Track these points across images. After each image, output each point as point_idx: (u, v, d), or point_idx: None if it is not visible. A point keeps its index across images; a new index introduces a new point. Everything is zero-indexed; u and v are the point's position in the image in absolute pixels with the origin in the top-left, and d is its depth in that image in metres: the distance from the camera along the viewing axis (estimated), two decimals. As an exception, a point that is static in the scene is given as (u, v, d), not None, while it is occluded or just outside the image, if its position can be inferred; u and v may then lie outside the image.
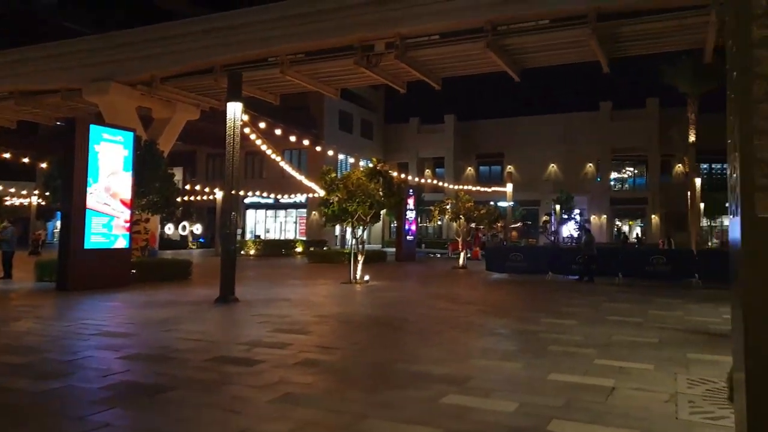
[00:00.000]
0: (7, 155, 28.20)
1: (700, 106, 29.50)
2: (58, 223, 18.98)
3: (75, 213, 13.87)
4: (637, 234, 43.29)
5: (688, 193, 30.87)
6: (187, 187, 41.47)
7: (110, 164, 14.66)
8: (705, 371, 5.81)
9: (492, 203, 42.73)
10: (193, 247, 43.38)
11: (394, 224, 50.73)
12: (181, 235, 45.12)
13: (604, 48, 16.21)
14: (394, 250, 31.11)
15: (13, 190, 36.63)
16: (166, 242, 44.19)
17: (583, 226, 38.44)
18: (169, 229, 46.98)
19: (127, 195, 15.18)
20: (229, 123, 11.56)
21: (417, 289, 14.99)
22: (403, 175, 21.36)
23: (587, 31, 15.00)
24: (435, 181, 39.67)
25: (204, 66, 21.93)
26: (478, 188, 35.96)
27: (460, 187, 31.93)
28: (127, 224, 15.22)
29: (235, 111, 11.63)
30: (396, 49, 18.15)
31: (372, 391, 5.08)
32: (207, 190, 36.03)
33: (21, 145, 35.29)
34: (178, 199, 42.63)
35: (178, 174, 51.22)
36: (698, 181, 30.43)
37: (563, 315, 9.94)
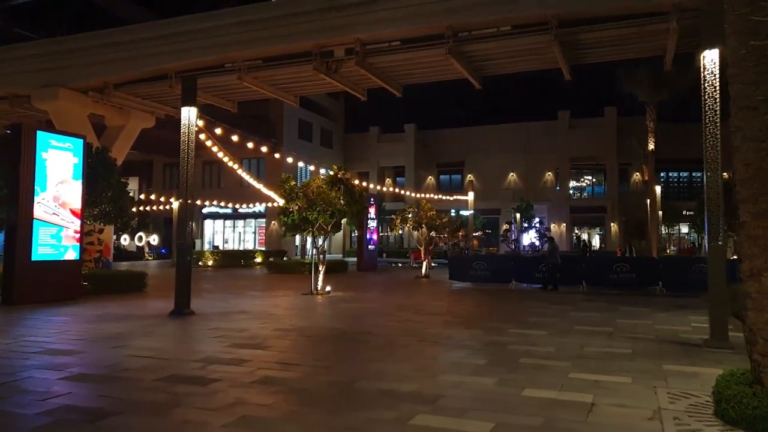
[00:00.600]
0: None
1: (658, 114, 30.33)
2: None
3: (21, 223, 13.09)
4: (584, 241, 43.97)
5: (648, 201, 31.60)
6: (142, 196, 40.20)
7: (59, 172, 13.92)
8: (684, 384, 5.68)
9: (453, 212, 43.15)
10: (150, 258, 42.16)
11: (356, 234, 50.63)
12: (137, 246, 43.80)
13: (566, 55, 16.38)
14: (355, 259, 30.78)
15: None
16: (122, 253, 42.81)
17: (544, 234, 39.06)
18: (125, 240, 45.53)
19: (78, 204, 14.45)
20: (183, 128, 11.10)
21: (380, 299, 14.71)
22: (364, 184, 21.05)
23: (549, 38, 15.11)
24: (397, 190, 39.51)
25: (158, 72, 21.23)
26: (440, 197, 35.97)
27: (422, 195, 31.86)
28: (78, 235, 14.47)
29: (189, 116, 11.17)
30: (356, 55, 17.95)
31: (336, 412, 4.76)
32: (163, 199, 34.95)
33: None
34: (134, 209, 41.49)
35: (134, 184, 50.22)
36: (658, 189, 31.19)
37: (531, 325, 9.82)
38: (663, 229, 39.93)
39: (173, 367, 6.41)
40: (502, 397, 5.19)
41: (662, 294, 15.45)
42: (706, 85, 7.42)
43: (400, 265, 35.05)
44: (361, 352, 7.41)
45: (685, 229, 45.59)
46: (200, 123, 12.60)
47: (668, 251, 38.76)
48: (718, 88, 7.28)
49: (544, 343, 8.00)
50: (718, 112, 7.25)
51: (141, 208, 41.01)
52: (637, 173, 45.01)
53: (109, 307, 12.58)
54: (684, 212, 39.55)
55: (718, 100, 7.27)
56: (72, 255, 14.27)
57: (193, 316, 11.17)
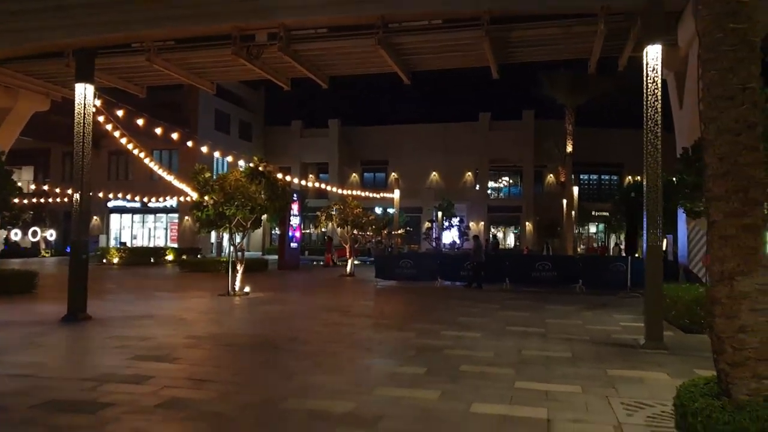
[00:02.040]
0: None
1: (576, 118, 31.32)
2: None
3: None
4: (494, 239, 44.74)
5: (563, 201, 32.57)
6: (33, 187, 36.69)
7: (-75, 156, 11.93)
8: (635, 392, 5.37)
9: (378, 210, 42.76)
10: (47, 255, 38.75)
11: (276, 231, 49.05)
12: (32, 242, 40.09)
13: (495, 53, 16.18)
14: (276, 257, 29.59)
15: None
16: (15, 250, 38.98)
17: (465, 233, 39.53)
18: (16, 234, 41.46)
19: (-50, 194, 12.47)
20: (78, 108, 9.72)
21: (304, 300, 13.83)
22: (288, 178, 20.02)
23: (480, 34, 14.79)
24: (321, 185, 38.49)
25: (53, 48, 19.01)
26: (367, 193, 35.32)
27: (348, 192, 31.15)
28: (-51, 229, 12.49)
29: (85, 93, 9.79)
30: (279, 40, 16.84)
31: (258, 442, 3.94)
32: (59, 191, 31.99)
33: None
34: (26, 201, 37.82)
35: (27, 174, 45.82)
36: (576, 190, 32.21)
37: (463, 326, 9.38)
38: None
39: (57, 389, 5.30)
40: (449, 415, 4.60)
41: (582, 292, 15.65)
42: (648, 81, 7.24)
43: (322, 263, 34.19)
44: (286, 363, 6.58)
45: (593, 228, 47.89)
46: (98, 102, 11.17)
47: (579, 250, 40.40)
48: (659, 84, 7.09)
49: (480, 347, 7.55)
50: (659, 109, 7.08)
51: (36, 200, 37.49)
52: (551, 175, 46.72)
53: (-12, 312, 10.89)
54: (593, 213, 41.42)
55: (659, 96, 7.10)
56: (-57, 252, 12.31)
57: (89, 321, 9.83)
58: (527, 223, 45.50)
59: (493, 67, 17.12)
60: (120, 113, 15.46)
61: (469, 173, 48.38)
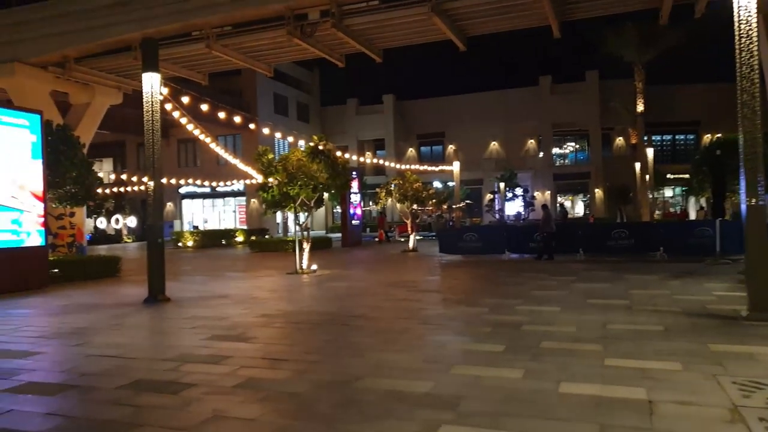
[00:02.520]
0: None
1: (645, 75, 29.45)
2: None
3: (-25, 209, 11.91)
4: (563, 208, 43.11)
5: (636, 164, 30.90)
6: (113, 178, 38.68)
7: (14, 152, 12.68)
8: (746, 370, 4.83)
9: (437, 183, 42.33)
10: (129, 240, 41.04)
11: (337, 209, 49.64)
12: (115, 229, 42.61)
13: (556, 9, 15.40)
14: (339, 235, 29.96)
15: None
16: (101, 237, 41.58)
17: (530, 203, 38.53)
18: (101, 223, 44.13)
19: (39, 186, 13.24)
20: (146, 97, 9.99)
21: (369, 277, 13.86)
22: (347, 155, 20.03)
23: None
24: (378, 161, 38.36)
25: (121, 44, 19.74)
26: (426, 167, 34.92)
27: (407, 167, 30.93)
28: (42, 219, 13.30)
29: (152, 83, 10.03)
30: (331, 17, 16.73)
31: (339, 426, 3.89)
32: (135, 179, 33.53)
33: None
34: (108, 191, 39.98)
35: (107, 165, 48.38)
36: (650, 152, 30.45)
37: (539, 300, 9.05)
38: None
39: (140, 370, 5.51)
40: (535, 396, 4.33)
41: (664, 260, 14.86)
42: (740, 21, 6.55)
43: (376, 240, 34.33)
44: (358, 341, 6.57)
45: (669, 192, 45.45)
46: (165, 91, 11.45)
47: (655, 215, 38.54)
48: (754, 24, 6.42)
49: (561, 322, 7.22)
50: (755, 53, 6.41)
51: (116, 190, 39.65)
52: (620, 138, 44.61)
53: (78, 295, 11.58)
54: (668, 176, 39.23)
55: (754, 38, 6.42)
56: (37, 240, 13.15)
57: (168, 303, 10.24)
58: (597, 190, 43.77)
59: (554, 26, 16.31)
60: (185, 100, 15.81)
61: (532, 141, 46.95)
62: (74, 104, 24.78)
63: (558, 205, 43.75)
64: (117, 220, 43.54)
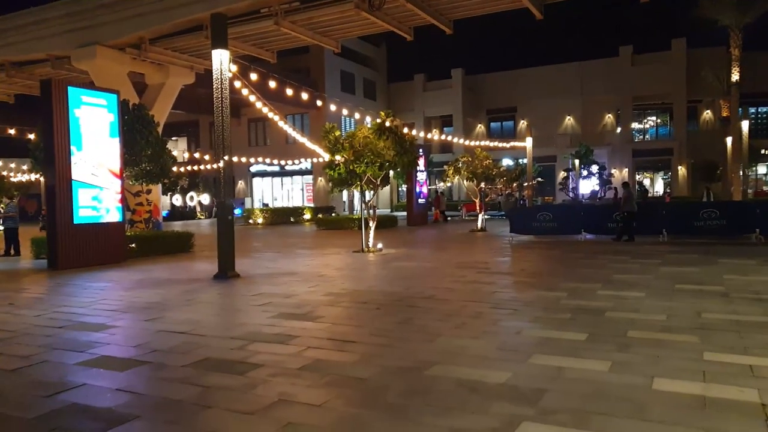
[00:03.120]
0: (12, 131, 26.75)
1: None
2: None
3: (60, 185, 12.51)
4: (642, 187, 40.53)
5: (728, 139, 28.47)
6: (186, 156, 40.11)
7: (94, 130, 13.18)
8: None
9: (509, 160, 41.07)
10: (202, 217, 42.67)
11: (403, 187, 49.30)
12: (189, 206, 44.48)
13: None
14: (404, 214, 29.69)
15: (13, 165, 35.37)
16: (176, 213, 43.53)
17: (608, 181, 36.70)
18: (177, 200, 46.15)
19: (117, 164, 13.74)
20: (215, 74, 9.98)
21: (437, 256, 13.50)
22: (414, 132, 19.58)
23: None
24: (447, 137, 37.54)
25: (193, 23, 20.12)
26: (496, 143, 33.79)
27: (477, 143, 30.09)
28: (120, 196, 13.82)
29: (221, 59, 10.00)
30: (402, -13, 16.24)
31: (409, 419, 3.61)
32: (207, 158, 34.57)
33: (23, 120, 33.77)
34: (183, 169, 41.44)
35: (182, 144, 50.24)
36: (745, 125, 27.86)
37: (621, 285, 8.41)
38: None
39: (208, 347, 5.46)
40: (628, 393, 3.87)
41: (761, 242, 13.61)
42: None
43: (449, 219, 33.79)
44: (426, 324, 6.28)
45: (762, 170, 42.04)
46: (234, 68, 11.43)
47: (748, 194, 35.72)
48: None
49: (648, 309, 6.62)
50: None
51: (190, 168, 41.17)
52: (708, 111, 41.51)
53: (153, 270, 11.95)
54: (763, 151, 36.12)
55: None
56: (115, 217, 13.69)
57: (237, 279, 10.35)
58: (680, 167, 41.12)
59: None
60: (255, 77, 15.85)
61: (609, 115, 44.61)
62: (150, 85, 25.67)
63: (637, 183, 41.49)
64: (191, 198, 45.35)
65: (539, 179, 42.95)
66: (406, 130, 16.12)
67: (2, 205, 16.86)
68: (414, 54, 54.21)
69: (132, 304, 8.00)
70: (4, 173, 31.56)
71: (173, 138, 50.46)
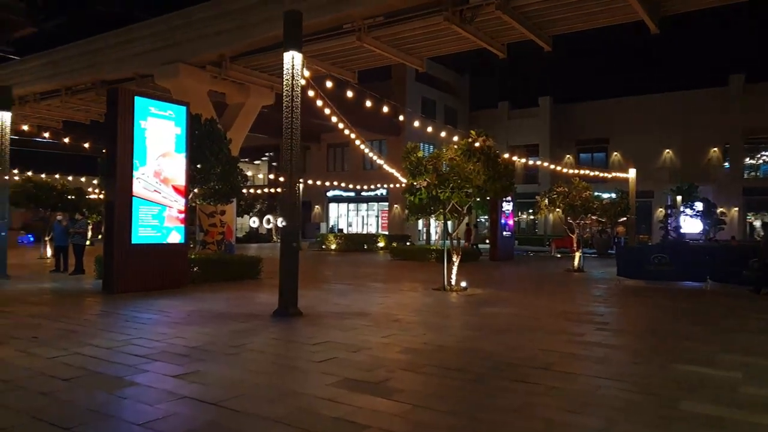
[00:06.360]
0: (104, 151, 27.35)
1: None
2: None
3: (120, 202, 11.54)
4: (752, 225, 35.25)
5: None
6: (271, 177, 40.02)
7: (160, 144, 12.25)
8: None
9: (597, 194, 37.84)
10: (278, 240, 42.40)
11: (482, 218, 46.93)
12: (266, 229, 44.48)
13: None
14: (484, 246, 27.47)
15: (96, 182, 36.46)
16: (253, 235, 43.61)
17: (721, 221, 32.78)
18: (254, 222, 46.32)
19: (182, 181, 12.71)
20: (286, 76, 8.63)
21: (536, 303, 11.30)
22: (506, 155, 17.63)
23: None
24: (537, 162, 34.93)
25: (272, 40, 19.36)
26: (587, 173, 30.84)
27: (571, 171, 27.58)
28: (182, 215, 12.75)
29: (293, 62, 8.64)
30: (496, -3, 14.57)
31: None
32: (282, 180, 34.16)
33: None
34: (258, 191, 41.49)
35: (263, 168, 50.62)
36: None
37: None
38: None
39: (239, 436, 3.79)
40: None
41: None
42: None
43: (531, 254, 31.24)
44: (554, 415, 4.32)
45: None
46: (307, 74, 10.10)
47: None
48: None
49: None
50: None
51: (269, 191, 41.22)
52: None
53: (210, 300, 10.65)
54: None
55: None
56: (176, 238, 12.60)
57: (299, 318, 8.77)
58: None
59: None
60: (329, 85, 14.57)
61: (715, 149, 40.42)
62: (230, 104, 25.33)
63: (748, 224, 37.03)
64: (268, 221, 45.28)
65: (629, 216, 39.39)
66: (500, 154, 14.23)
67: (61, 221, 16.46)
68: (498, 81, 52.19)
69: (169, 347, 6.54)
70: (88, 190, 32.40)
71: (255, 162, 51.00)
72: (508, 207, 25.82)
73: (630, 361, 6.29)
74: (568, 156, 46.22)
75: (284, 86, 8.66)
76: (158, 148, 12.21)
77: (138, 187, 11.80)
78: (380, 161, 22.44)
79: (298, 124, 8.68)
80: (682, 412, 4.47)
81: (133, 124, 11.71)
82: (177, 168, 12.64)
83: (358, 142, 19.33)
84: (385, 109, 16.35)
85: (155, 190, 12.14)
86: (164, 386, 4.94)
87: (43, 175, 26.07)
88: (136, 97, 11.91)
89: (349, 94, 15.56)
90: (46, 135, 25.31)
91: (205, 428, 3.93)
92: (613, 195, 22.95)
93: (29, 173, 25.28)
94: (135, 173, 11.74)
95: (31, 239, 32.96)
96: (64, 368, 5.46)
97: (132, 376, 5.26)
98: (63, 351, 6.19)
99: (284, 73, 8.63)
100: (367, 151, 20.68)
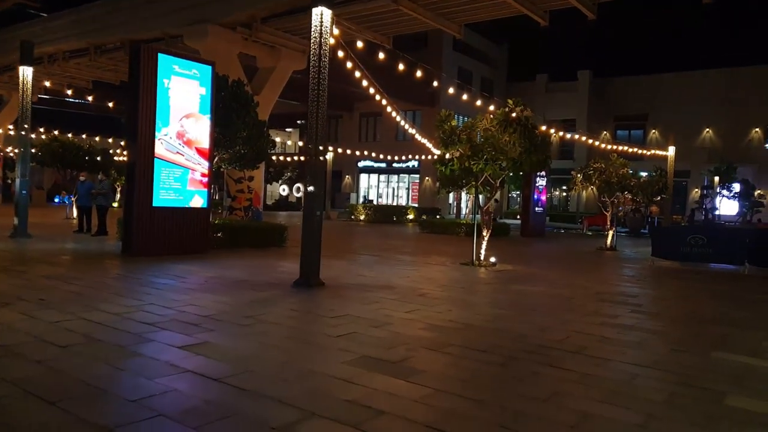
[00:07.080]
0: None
1: None
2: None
3: (141, 163, 11.31)
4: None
5: None
6: (300, 144, 39.74)
7: (184, 104, 11.94)
8: None
9: (649, 172, 36.48)
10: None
11: (514, 193, 45.93)
12: (296, 197, 44.54)
13: None
14: (514, 222, 26.84)
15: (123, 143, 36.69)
16: (283, 203, 43.68)
17: (759, 202, 31.33)
18: (284, 190, 46.34)
19: (206, 143, 12.42)
20: (314, 34, 8.13)
21: (568, 281, 10.76)
22: (543, 127, 16.85)
23: None
24: (575, 136, 33.73)
25: (304, 1, 18.76)
26: (636, 149, 29.44)
27: (609, 146, 26.54)
28: (205, 179, 12.49)
29: (322, 17, 8.13)
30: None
31: None
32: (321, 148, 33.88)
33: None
34: (288, 159, 41.28)
35: (294, 136, 50.31)
36: None
37: None
38: None
39: (238, 417, 3.47)
40: None
41: None
42: None
43: (562, 231, 30.48)
44: (586, 407, 3.90)
45: None
46: (336, 32, 9.58)
47: None
48: None
49: None
50: None
51: (299, 158, 41.00)
52: None
53: (231, 267, 10.43)
54: None
55: None
56: (198, 202, 12.38)
57: (321, 289, 8.47)
58: None
59: None
60: (364, 49, 14.02)
61: (757, 129, 38.54)
62: (261, 68, 24.92)
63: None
64: (298, 189, 45.19)
65: (663, 196, 38.00)
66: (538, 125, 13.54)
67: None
68: (537, 53, 50.56)
69: (181, 314, 6.29)
70: (117, 151, 32.56)
71: (287, 129, 50.64)
72: (542, 182, 25.04)
73: (668, 347, 5.79)
74: (605, 132, 44.72)
75: (311, 45, 8.18)
76: (182, 109, 11.91)
77: (160, 148, 11.55)
78: (413, 131, 21.81)
79: (326, 85, 8.21)
80: (729, 409, 4.00)
81: (156, 83, 11.40)
82: (201, 130, 12.34)
83: (391, 110, 18.79)
84: (419, 73, 15.69)
85: (178, 152, 11.88)
86: (167, 358, 4.66)
87: (69, 135, 26.20)
88: (159, 54, 11.57)
89: (384, 57, 14.95)
90: (69, 92, 25.30)
91: (203, 408, 3.62)
92: (650, 173, 21.96)
93: (56, 132, 25.41)
94: (157, 134, 11.48)
95: (67, 201, 33.55)
96: (65, 335, 5.21)
97: (135, 345, 5.00)
98: (69, 315, 5.98)
99: (312, 30, 8.12)
100: (400, 120, 20.08)
